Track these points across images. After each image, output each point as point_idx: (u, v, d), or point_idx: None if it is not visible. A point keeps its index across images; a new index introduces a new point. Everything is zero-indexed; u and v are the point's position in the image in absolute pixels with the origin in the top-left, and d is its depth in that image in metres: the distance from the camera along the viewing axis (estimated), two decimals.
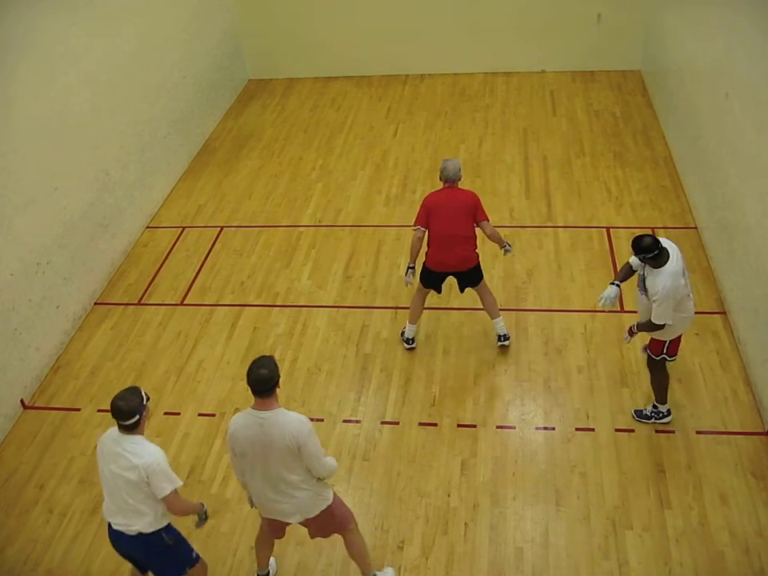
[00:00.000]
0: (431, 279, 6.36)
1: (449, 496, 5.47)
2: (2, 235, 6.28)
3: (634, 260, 5.34)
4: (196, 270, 7.96)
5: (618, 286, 5.45)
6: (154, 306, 7.52)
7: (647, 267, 5.13)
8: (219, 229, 8.61)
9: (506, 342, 6.57)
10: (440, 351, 6.68)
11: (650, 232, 7.76)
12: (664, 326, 5.12)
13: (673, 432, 5.76)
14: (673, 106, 9.08)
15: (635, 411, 5.87)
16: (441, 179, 6.12)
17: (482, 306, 6.54)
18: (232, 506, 5.52)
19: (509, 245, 6.34)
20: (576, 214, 8.23)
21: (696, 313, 6.70)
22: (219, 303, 7.45)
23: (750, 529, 5.05)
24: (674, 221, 7.99)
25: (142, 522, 4.16)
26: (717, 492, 5.30)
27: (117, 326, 7.34)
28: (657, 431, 5.77)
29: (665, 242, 5.10)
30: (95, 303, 7.64)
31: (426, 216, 6.08)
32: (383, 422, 6.09)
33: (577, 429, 5.86)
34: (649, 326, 5.20)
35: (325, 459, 4.24)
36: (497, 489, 5.48)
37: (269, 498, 4.31)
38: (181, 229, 8.67)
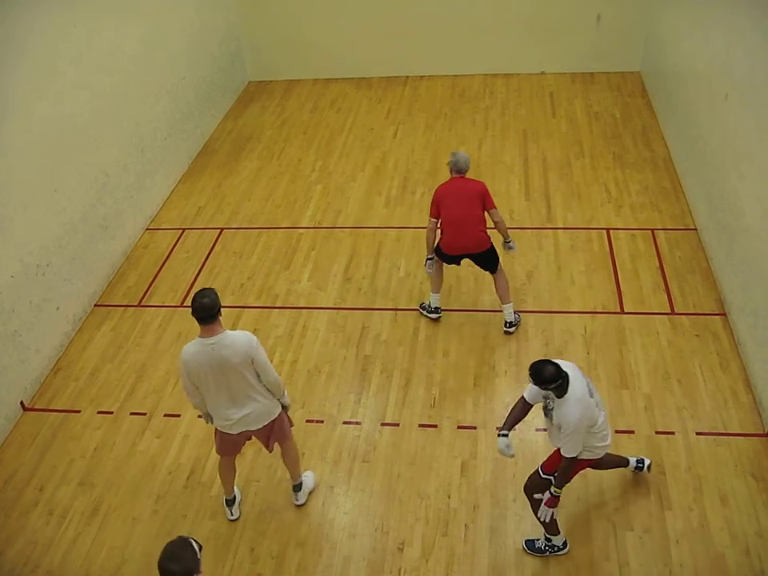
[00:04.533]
0: (445, 260, 6.66)
1: (449, 497, 5.47)
2: (1, 237, 6.28)
3: (530, 393, 4.61)
4: (196, 272, 7.96)
5: (506, 436, 4.65)
6: (153, 308, 7.52)
7: (551, 397, 4.48)
8: (219, 230, 8.61)
9: (512, 330, 6.74)
10: (440, 352, 6.68)
11: (649, 233, 7.80)
12: (574, 458, 4.51)
13: (673, 433, 5.76)
14: (672, 108, 9.08)
15: (526, 541, 5.07)
16: (451, 170, 6.42)
17: (482, 308, 6.58)
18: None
19: (513, 242, 6.60)
20: (576, 216, 8.24)
21: (696, 314, 6.79)
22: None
23: (751, 530, 5.05)
24: (673, 222, 7.99)
25: None
26: (717, 493, 5.30)
27: (117, 327, 7.34)
28: (657, 432, 5.77)
29: (563, 364, 4.41)
30: (95, 305, 7.63)
31: (437, 206, 6.37)
32: (383, 424, 6.09)
33: None
34: (563, 470, 4.56)
35: (271, 366, 4.74)
36: (497, 490, 5.48)
37: (230, 412, 4.77)
38: (181, 230, 8.68)
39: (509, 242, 6.60)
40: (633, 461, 5.39)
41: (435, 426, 6.01)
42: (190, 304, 4.50)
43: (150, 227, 8.78)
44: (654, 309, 6.90)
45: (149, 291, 7.76)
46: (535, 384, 4.37)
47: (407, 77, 11.71)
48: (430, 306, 6.96)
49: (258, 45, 11.76)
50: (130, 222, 8.42)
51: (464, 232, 6.37)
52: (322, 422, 6.15)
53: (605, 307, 6.98)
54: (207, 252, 8.26)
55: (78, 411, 6.48)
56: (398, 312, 7.13)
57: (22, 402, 6.53)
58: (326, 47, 11.57)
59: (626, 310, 6.91)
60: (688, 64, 8.46)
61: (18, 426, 6.42)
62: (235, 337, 4.57)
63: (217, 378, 4.61)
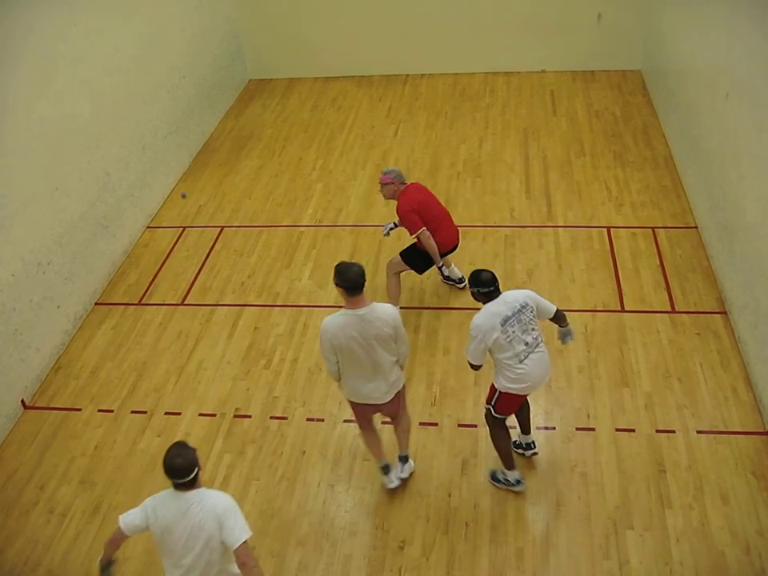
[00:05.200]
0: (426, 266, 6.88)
1: (449, 496, 5.47)
2: (2, 235, 6.28)
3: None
4: (196, 270, 7.96)
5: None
6: (154, 306, 7.53)
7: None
8: (220, 229, 8.61)
9: (461, 285, 7.27)
10: (440, 351, 6.68)
11: (650, 232, 7.80)
12: (476, 367, 4.95)
13: (673, 432, 5.76)
14: (673, 106, 9.07)
15: (491, 473, 5.50)
16: (398, 183, 6.56)
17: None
18: None
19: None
20: (576, 214, 8.23)
21: (696, 312, 6.78)
22: (220, 303, 7.45)
23: (751, 528, 5.05)
24: (674, 220, 7.99)
25: None
26: (717, 492, 5.30)
27: (117, 326, 7.34)
28: (657, 431, 5.77)
29: (519, 291, 4.92)
30: (96, 303, 7.64)
31: (422, 214, 6.49)
32: (384, 423, 6.08)
33: (577, 428, 5.86)
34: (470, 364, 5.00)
35: (407, 337, 4.97)
36: (497, 488, 5.47)
37: (368, 384, 4.88)
38: (181, 229, 8.68)
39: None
40: (525, 442, 5.60)
41: (436, 425, 6.01)
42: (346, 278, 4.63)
43: (150, 225, 8.78)
44: (655, 307, 6.90)
45: (149, 289, 7.76)
46: (470, 285, 4.86)
47: (408, 75, 11.71)
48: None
49: (258, 43, 11.75)
50: (131, 221, 8.42)
51: (452, 225, 6.78)
52: (323, 420, 6.15)
53: (605, 305, 6.98)
54: (208, 250, 8.26)
55: (79, 410, 6.49)
56: (399, 310, 7.12)
57: (22, 401, 6.54)
58: (327, 45, 11.56)
59: (626, 309, 6.91)
60: (689, 62, 8.46)
61: (19, 424, 6.42)
62: (384, 307, 4.73)
63: (362, 349, 4.69)
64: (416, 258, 6.73)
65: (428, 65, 11.61)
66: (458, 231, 6.85)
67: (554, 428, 5.89)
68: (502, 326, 4.74)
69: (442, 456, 5.75)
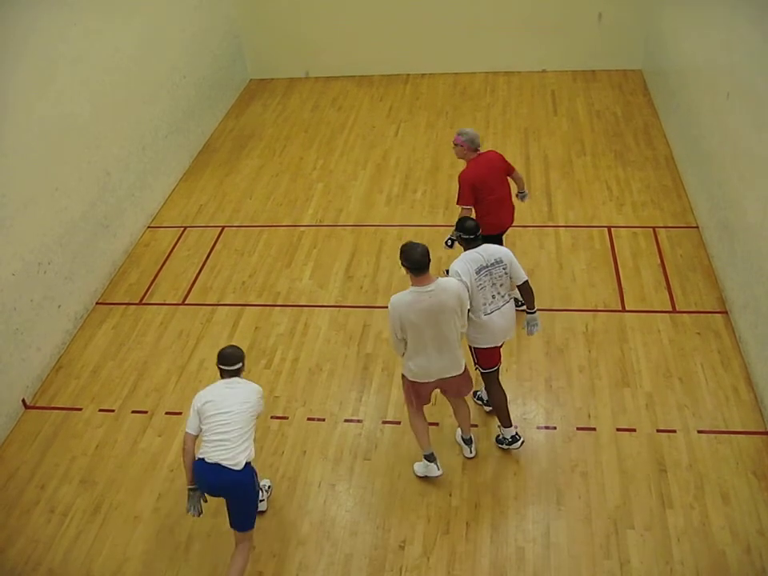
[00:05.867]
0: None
1: (450, 495, 5.47)
2: (3, 235, 6.29)
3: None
4: (197, 270, 7.96)
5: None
6: (155, 306, 7.53)
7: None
8: (220, 228, 8.61)
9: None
10: None
11: (651, 231, 7.80)
12: None
13: (674, 431, 5.76)
14: (674, 106, 9.07)
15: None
16: (467, 150, 6.20)
17: None
18: None
19: (527, 191, 6.76)
20: (577, 214, 8.23)
21: (697, 312, 6.78)
22: (220, 303, 7.45)
23: (752, 528, 5.05)
24: (675, 220, 7.98)
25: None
26: (718, 491, 5.30)
27: (118, 325, 7.34)
28: (658, 430, 5.77)
29: (497, 248, 5.18)
30: (96, 303, 7.64)
31: (476, 191, 6.18)
32: (385, 422, 6.09)
33: (578, 428, 5.86)
34: None
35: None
36: (498, 488, 5.48)
37: (434, 360, 4.96)
38: (182, 228, 8.68)
39: (524, 192, 6.72)
40: (510, 432, 5.64)
41: (437, 424, 6.01)
42: (405, 254, 4.77)
43: (151, 225, 8.79)
44: (656, 307, 6.90)
45: (150, 289, 7.76)
46: (456, 230, 5.24)
47: (408, 75, 11.71)
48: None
49: (258, 43, 11.75)
50: (132, 220, 8.42)
51: (508, 209, 6.49)
52: (324, 420, 6.15)
53: (606, 305, 6.97)
54: (208, 250, 8.26)
55: (80, 409, 6.49)
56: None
57: (23, 400, 6.54)
58: (328, 45, 11.56)
59: (627, 308, 6.91)
60: (689, 62, 8.45)
61: (20, 424, 6.43)
62: (449, 282, 4.86)
63: (431, 324, 4.79)
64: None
65: (429, 64, 11.61)
66: (511, 217, 6.56)
67: (555, 428, 5.89)
68: (476, 273, 5.04)
69: (443, 456, 5.73)
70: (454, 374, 5.10)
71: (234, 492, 4.67)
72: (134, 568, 5.20)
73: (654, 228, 7.88)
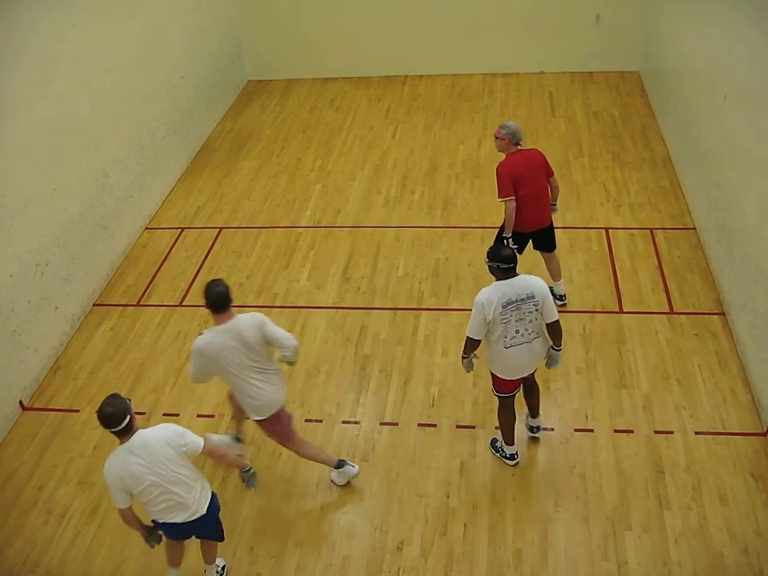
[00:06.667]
0: (522, 243, 6.58)
1: (448, 497, 5.47)
2: (1, 236, 6.28)
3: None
4: (195, 271, 7.96)
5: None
6: (152, 307, 7.52)
7: None
8: (218, 229, 8.61)
9: (565, 302, 6.96)
10: (439, 352, 6.69)
11: (648, 233, 7.81)
12: (474, 342, 4.98)
13: (672, 433, 5.76)
14: (671, 107, 9.08)
15: (492, 438, 5.79)
16: (508, 143, 6.21)
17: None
18: (231, 506, 5.52)
19: (557, 207, 6.69)
20: (575, 215, 8.24)
21: (695, 314, 6.79)
22: None
23: (749, 529, 5.06)
24: (672, 221, 7.99)
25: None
26: (716, 493, 5.31)
27: (116, 326, 7.34)
28: (656, 432, 5.78)
29: (533, 281, 4.93)
30: (94, 304, 7.63)
31: (514, 184, 6.17)
32: (382, 423, 6.09)
33: (576, 429, 5.87)
34: (465, 344, 5.07)
35: None
36: (496, 490, 5.48)
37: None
38: (180, 230, 8.68)
39: (555, 204, 6.63)
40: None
41: (434, 426, 6.01)
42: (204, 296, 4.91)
43: (149, 226, 8.78)
44: (653, 308, 6.91)
45: (148, 290, 7.76)
46: (489, 259, 4.90)
47: (406, 76, 11.72)
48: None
49: (257, 44, 11.75)
50: (130, 222, 8.42)
51: (542, 207, 6.42)
52: (321, 421, 6.15)
53: (604, 307, 6.98)
54: (206, 251, 8.26)
55: (77, 410, 6.48)
56: (397, 311, 7.13)
57: (21, 402, 6.53)
58: (326, 46, 11.57)
59: (624, 310, 6.92)
60: (687, 64, 8.47)
61: (17, 425, 6.42)
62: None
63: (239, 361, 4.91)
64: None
65: (427, 65, 11.62)
66: (548, 217, 6.50)
67: (553, 429, 5.89)
68: (503, 306, 4.82)
69: (441, 457, 5.75)
70: (275, 410, 5.08)
71: (205, 530, 4.63)
72: (132, 569, 5.20)
73: (651, 229, 7.89)
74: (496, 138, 6.30)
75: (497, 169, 6.27)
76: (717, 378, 6.18)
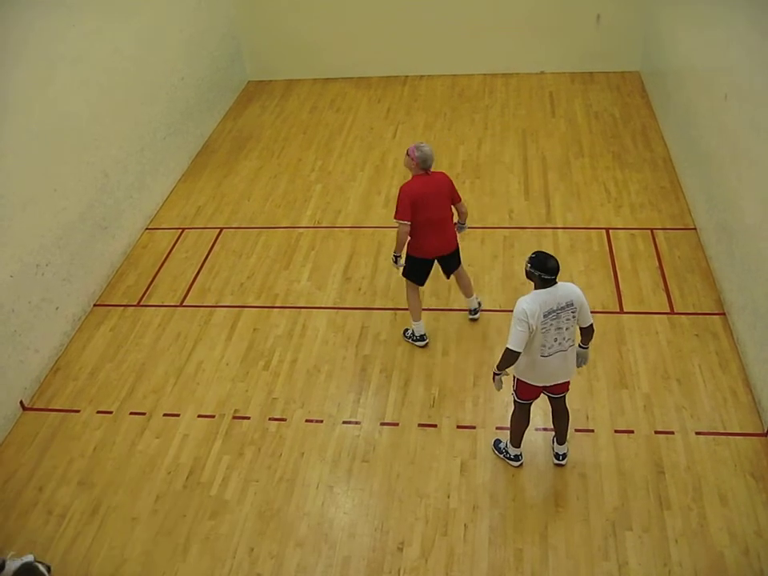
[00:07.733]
0: (424, 270, 6.44)
1: (448, 497, 5.47)
2: (1, 236, 6.28)
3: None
4: (195, 272, 7.96)
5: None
6: (153, 308, 7.52)
7: None
8: (218, 230, 8.61)
9: (476, 316, 6.93)
10: (439, 352, 6.69)
11: (649, 233, 7.80)
12: (515, 355, 4.82)
13: (672, 433, 5.76)
14: (672, 107, 9.08)
15: (495, 440, 5.77)
16: (417, 166, 6.03)
17: (481, 308, 6.60)
18: (231, 507, 5.52)
19: (466, 225, 6.59)
20: (575, 215, 8.24)
21: (695, 314, 6.79)
22: (219, 304, 7.45)
23: (750, 529, 5.06)
24: (673, 222, 7.99)
25: None
26: (716, 493, 5.30)
27: (116, 327, 7.34)
28: (656, 432, 5.77)
29: (571, 288, 4.86)
30: (94, 305, 7.63)
31: (412, 207, 5.99)
32: (383, 423, 6.09)
33: (576, 430, 5.86)
34: (502, 356, 4.93)
35: None
36: (496, 490, 5.48)
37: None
38: (180, 230, 8.68)
39: (464, 224, 6.51)
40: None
41: (435, 426, 6.01)
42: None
43: (149, 227, 8.78)
44: (654, 308, 6.90)
45: (148, 291, 7.76)
46: (533, 266, 4.77)
47: (407, 76, 11.71)
48: (414, 335, 6.72)
49: (257, 44, 11.75)
50: (130, 222, 8.42)
51: (445, 233, 6.24)
52: (322, 421, 6.15)
53: (604, 307, 6.98)
54: (207, 251, 8.26)
55: (78, 411, 6.48)
56: (398, 312, 7.13)
57: (21, 402, 6.53)
58: (326, 46, 11.57)
59: (625, 310, 6.91)
60: (687, 64, 8.47)
61: (18, 425, 6.42)
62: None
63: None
64: (410, 269, 6.43)
65: (427, 66, 11.62)
66: (450, 244, 6.33)
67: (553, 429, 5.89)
68: (544, 316, 4.76)
69: (441, 457, 5.75)
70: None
71: None
72: (132, 569, 5.19)
73: (651, 230, 7.89)
74: (407, 154, 6.08)
75: (400, 188, 6.06)
76: (717, 379, 6.17)
